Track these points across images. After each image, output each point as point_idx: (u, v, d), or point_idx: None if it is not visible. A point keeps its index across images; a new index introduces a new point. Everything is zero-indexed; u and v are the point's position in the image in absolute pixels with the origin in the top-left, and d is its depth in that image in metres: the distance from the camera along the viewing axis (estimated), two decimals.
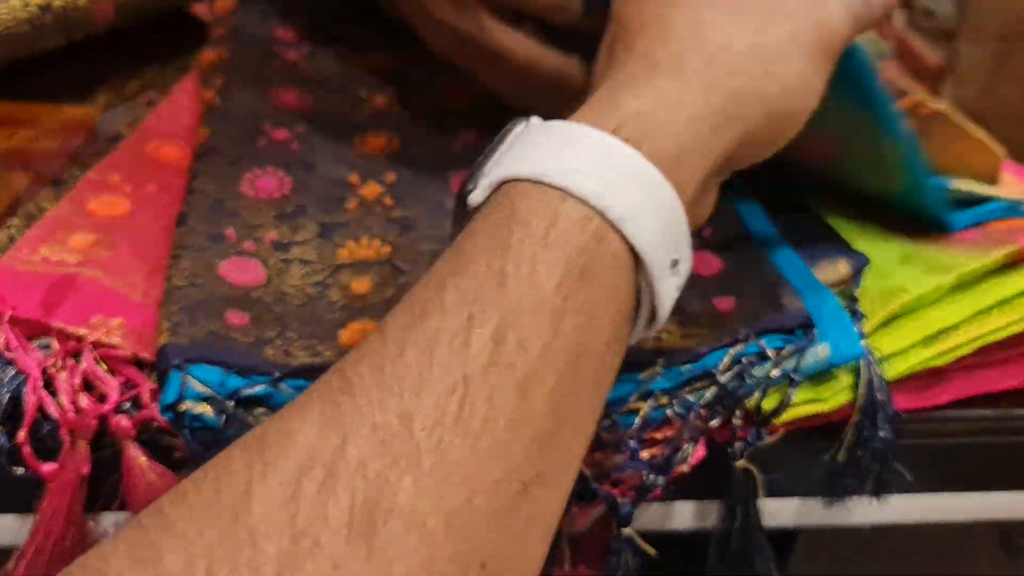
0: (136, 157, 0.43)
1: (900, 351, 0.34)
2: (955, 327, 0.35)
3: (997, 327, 0.35)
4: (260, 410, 0.31)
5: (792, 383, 0.32)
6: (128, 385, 0.32)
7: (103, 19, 0.59)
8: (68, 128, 0.51)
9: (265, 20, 0.58)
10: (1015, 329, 0.35)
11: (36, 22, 0.55)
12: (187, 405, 0.30)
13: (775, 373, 0.32)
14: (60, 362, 0.32)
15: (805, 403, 0.34)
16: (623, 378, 0.32)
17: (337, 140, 0.47)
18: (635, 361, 0.32)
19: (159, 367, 0.31)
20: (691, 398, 0.33)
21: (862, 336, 0.34)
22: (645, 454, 0.32)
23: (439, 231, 0.40)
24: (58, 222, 0.38)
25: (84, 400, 0.31)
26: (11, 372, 0.31)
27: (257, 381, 0.31)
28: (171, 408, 0.30)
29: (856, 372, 0.33)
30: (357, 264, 0.39)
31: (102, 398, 0.31)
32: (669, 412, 0.32)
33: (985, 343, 0.35)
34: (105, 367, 0.32)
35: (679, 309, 0.35)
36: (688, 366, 0.33)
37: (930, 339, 0.34)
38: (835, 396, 0.34)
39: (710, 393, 0.33)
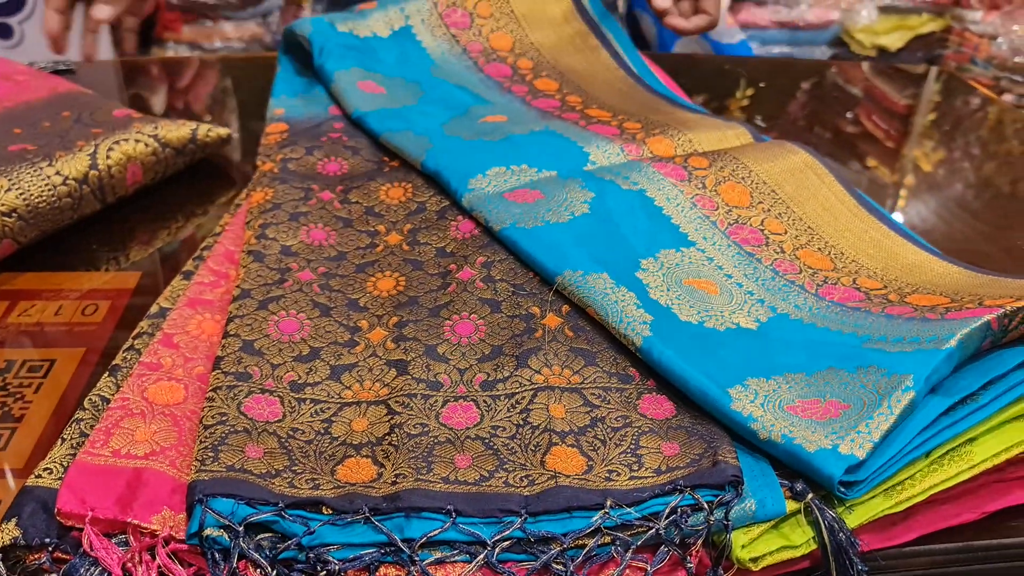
0: (183, 336, 0.49)
1: (862, 502, 0.39)
2: (911, 478, 0.39)
3: (947, 476, 0.40)
4: (266, 534, 0.37)
5: (727, 530, 0.37)
6: (198, 574, 0.37)
7: (133, 181, 0.66)
8: (104, 295, 0.57)
9: (308, 153, 0.65)
10: (964, 477, 0.40)
11: (75, 195, 0.61)
12: (207, 532, 0.36)
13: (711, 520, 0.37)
14: (138, 556, 0.37)
15: (779, 549, 0.38)
16: (577, 515, 0.38)
17: (352, 283, 0.53)
18: (588, 501, 0.38)
19: (188, 501, 0.38)
20: (631, 539, 0.37)
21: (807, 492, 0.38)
22: None
23: (428, 374, 0.45)
24: (123, 412, 0.43)
25: None
26: (96, 571, 0.36)
27: (263, 510, 0.37)
28: (195, 536, 0.36)
29: (816, 522, 0.38)
30: (360, 403, 0.44)
31: None
32: (612, 550, 0.37)
33: (938, 491, 0.39)
34: (177, 559, 0.37)
35: (632, 449, 0.40)
36: (632, 510, 0.38)
37: (889, 491, 0.39)
38: (806, 543, 0.38)
39: (648, 536, 0.37)
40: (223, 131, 0.70)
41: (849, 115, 0.90)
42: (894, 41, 1.76)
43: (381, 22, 0.80)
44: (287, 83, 0.78)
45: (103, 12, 0.89)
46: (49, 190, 0.59)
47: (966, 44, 1.71)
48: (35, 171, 0.58)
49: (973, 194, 0.76)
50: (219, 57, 1.11)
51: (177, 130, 0.67)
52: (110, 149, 0.62)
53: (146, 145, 0.65)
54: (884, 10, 1.75)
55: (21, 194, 0.57)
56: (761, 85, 0.94)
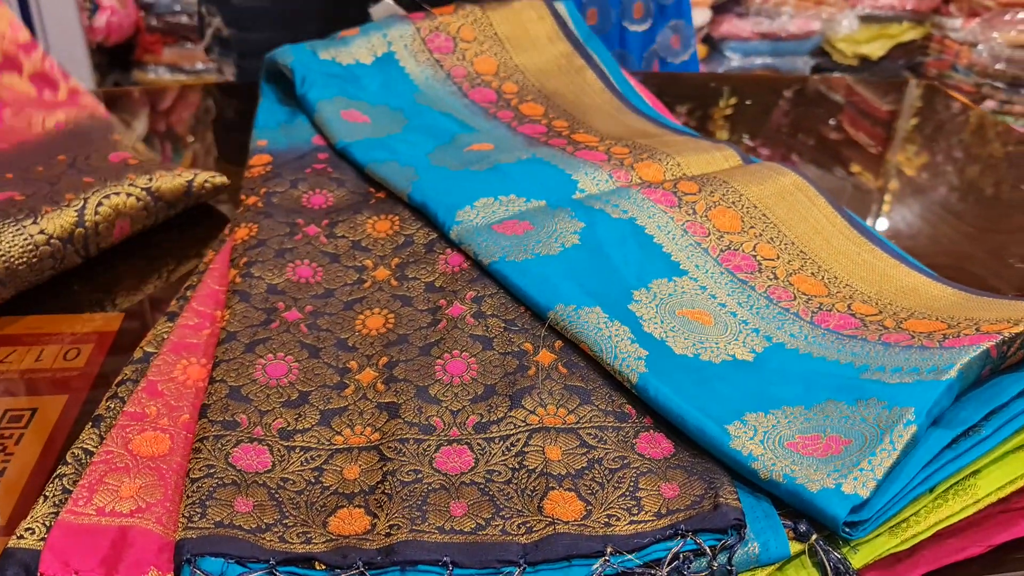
0: (168, 384, 0.47)
1: (867, 541, 0.38)
2: (916, 514, 0.39)
3: (953, 511, 0.39)
4: None
5: (731, 574, 0.36)
6: None
7: (120, 235, 0.63)
8: (86, 339, 0.55)
9: (293, 186, 0.64)
10: (969, 511, 0.39)
11: (58, 255, 0.59)
12: None
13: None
14: None
15: None
16: (576, 563, 0.37)
17: (341, 321, 0.52)
18: (588, 549, 0.37)
19: (176, 561, 0.37)
20: None
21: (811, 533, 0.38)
22: None
23: (420, 417, 0.44)
24: (107, 466, 0.42)
25: None
26: None
27: (254, 568, 0.36)
28: None
29: (821, 564, 0.37)
30: (351, 450, 0.43)
31: None
32: None
33: (944, 526, 0.39)
34: None
35: (631, 492, 0.40)
36: (633, 556, 0.37)
37: (894, 528, 0.38)
38: None
39: None
40: (221, 180, 0.68)
41: (832, 122, 0.90)
42: (875, 50, 1.77)
43: (364, 49, 0.80)
44: (269, 113, 0.77)
45: None
46: (31, 249, 0.56)
47: (947, 51, 1.72)
48: (17, 230, 0.56)
49: (956, 197, 0.76)
50: (201, 84, 1.10)
51: (172, 180, 0.65)
52: (99, 204, 0.60)
53: (138, 199, 0.62)
54: (865, 19, 1.76)
55: (1, 256, 0.55)
56: (748, 103, 0.94)
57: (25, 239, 0.55)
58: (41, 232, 0.57)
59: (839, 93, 0.99)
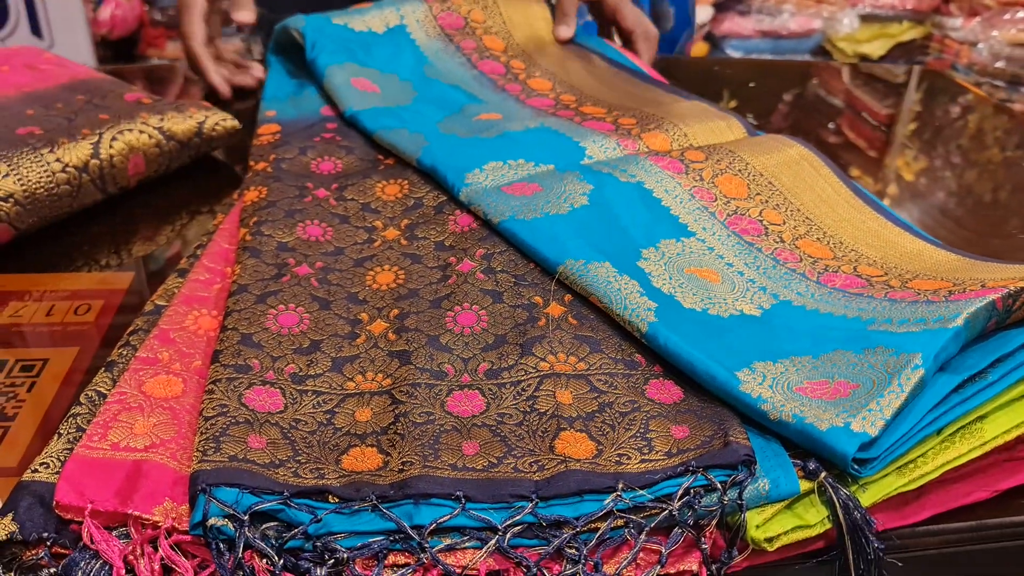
0: (180, 332, 0.48)
1: (874, 480, 0.38)
2: (923, 456, 0.39)
3: (959, 453, 0.39)
4: (271, 523, 0.36)
5: (741, 510, 0.37)
6: (202, 565, 0.36)
7: (135, 172, 0.65)
8: (97, 295, 0.56)
9: (302, 153, 0.64)
10: (976, 453, 0.39)
11: (74, 183, 0.61)
12: (212, 521, 0.35)
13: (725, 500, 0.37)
14: (139, 549, 0.36)
15: (794, 529, 0.38)
16: (588, 498, 0.37)
17: (351, 277, 0.52)
18: (599, 484, 0.37)
19: (191, 491, 0.37)
20: (644, 521, 0.37)
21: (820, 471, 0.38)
22: (609, 568, 0.36)
23: (432, 363, 0.45)
24: (121, 406, 0.42)
25: None
26: (96, 564, 0.35)
27: (268, 499, 0.36)
28: (199, 526, 0.35)
29: (830, 501, 0.38)
30: (363, 394, 0.44)
31: None
32: (626, 533, 0.37)
33: (951, 468, 0.39)
34: (180, 550, 0.36)
35: (641, 433, 0.40)
36: (645, 492, 0.37)
37: (902, 468, 0.39)
38: (820, 522, 0.38)
39: (662, 518, 0.37)
40: (232, 123, 0.69)
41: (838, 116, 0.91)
42: (876, 49, 1.78)
43: (377, 19, 0.80)
44: (278, 85, 0.77)
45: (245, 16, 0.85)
46: (48, 177, 0.59)
47: (947, 51, 1.73)
48: (36, 157, 0.59)
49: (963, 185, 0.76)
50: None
51: (183, 122, 0.67)
52: (113, 139, 0.63)
53: (150, 136, 0.65)
54: (865, 18, 1.77)
55: (19, 180, 0.57)
56: (751, 85, 0.95)
57: (43, 166, 0.58)
58: (58, 160, 0.60)
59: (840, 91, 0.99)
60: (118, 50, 2.25)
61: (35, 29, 1.87)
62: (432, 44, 0.80)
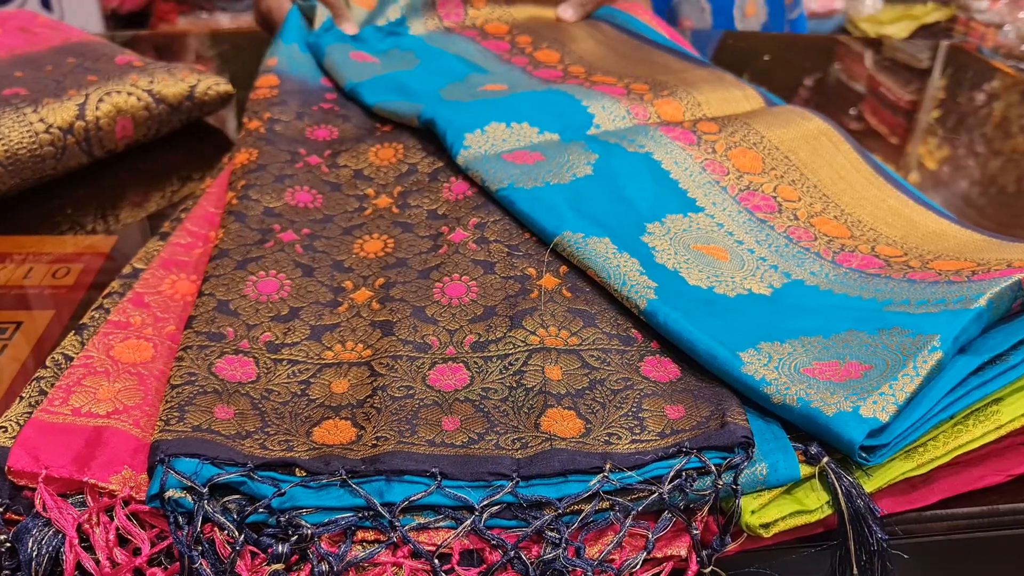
0: (155, 296, 0.46)
1: (881, 464, 0.36)
2: (934, 439, 0.36)
3: (973, 437, 0.36)
4: (233, 496, 0.34)
5: (736, 495, 0.34)
6: (160, 536, 0.34)
7: (123, 136, 0.63)
8: (76, 259, 0.54)
9: (298, 118, 0.62)
10: (990, 438, 0.37)
11: (58, 144, 0.59)
12: (169, 493, 0.33)
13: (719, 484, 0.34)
14: (95, 518, 0.34)
15: (792, 515, 0.35)
16: (573, 479, 0.34)
17: (338, 244, 0.50)
18: (586, 464, 0.34)
19: (149, 461, 0.34)
20: (631, 504, 0.34)
21: (822, 456, 0.35)
22: (592, 551, 0.34)
23: (415, 335, 0.42)
24: (86, 370, 0.40)
25: (119, 555, 0.33)
26: (49, 532, 0.33)
27: (229, 471, 0.34)
28: (156, 497, 0.33)
29: (832, 488, 0.35)
30: (341, 365, 0.41)
31: (136, 551, 0.33)
32: (611, 516, 0.34)
33: (962, 452, 0.36)
34: (137, 521, 0.34)
35: (633, 412, 0.37)
36: (633, 473, 0.35)
37: (910, 452, 0.36)
38: (820, 508, 0.35)
39: (651, 501, 0.34)
40: (225, 87, 0.67)
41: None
42: (899, 31, 1.73)
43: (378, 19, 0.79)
44: (298, 30, 0.74)
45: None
46: (30, 137, 0.57)
47: (972, 33, 1.68)
48: (18, 116, 0.57)
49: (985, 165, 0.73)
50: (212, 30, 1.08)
51: (174, 85, 0.65)
52: (100, 100, 0.60)
53: (138, 99, 0.63)
54: None
55: (0, 140, 0.55)
56: (766, 58, 0.92)
57: (26, 127, 0.56)
58: (41, 121, 0.58)
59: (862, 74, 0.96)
60: (128, 25, 2.24)
61: (45, 2, 1.86)
62: (433, 35, 0.78)
